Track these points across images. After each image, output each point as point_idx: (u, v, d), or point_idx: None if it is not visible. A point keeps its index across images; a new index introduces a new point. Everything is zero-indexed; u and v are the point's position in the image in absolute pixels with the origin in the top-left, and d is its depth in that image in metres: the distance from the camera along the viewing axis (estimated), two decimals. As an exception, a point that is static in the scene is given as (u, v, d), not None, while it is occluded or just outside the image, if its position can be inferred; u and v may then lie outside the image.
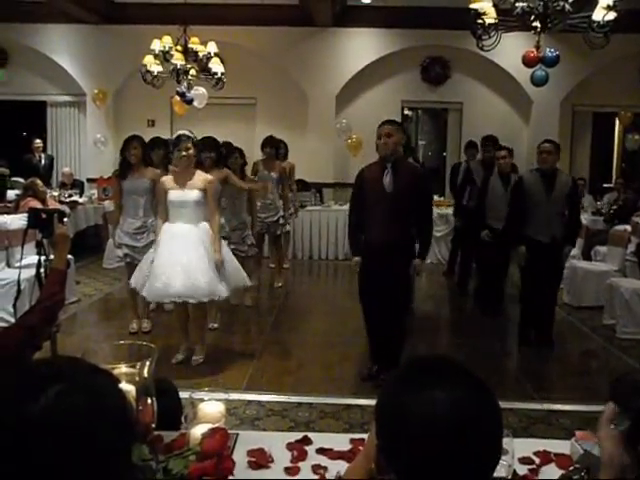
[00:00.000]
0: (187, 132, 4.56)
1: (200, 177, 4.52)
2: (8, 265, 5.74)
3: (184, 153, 4.42)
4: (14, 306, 3.84)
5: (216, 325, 5.46)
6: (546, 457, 1.68)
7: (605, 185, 11.01)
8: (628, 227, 6.86)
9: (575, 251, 7.61)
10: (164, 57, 7.68)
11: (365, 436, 1.88)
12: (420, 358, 1.03)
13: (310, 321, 6.22)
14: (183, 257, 4.34)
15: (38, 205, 6.31)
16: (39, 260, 2.38)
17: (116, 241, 5.28)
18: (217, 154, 5.37)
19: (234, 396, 3.77)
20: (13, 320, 4.75)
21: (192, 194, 4.44)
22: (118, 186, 5.29)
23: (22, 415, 0.80)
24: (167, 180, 4.56)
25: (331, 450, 1.71)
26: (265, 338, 5.44)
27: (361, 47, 10.21)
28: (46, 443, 0.79)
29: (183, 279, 4.31)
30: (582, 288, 6.69)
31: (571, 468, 1.18)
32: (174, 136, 4.59)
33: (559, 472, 1.51)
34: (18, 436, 0.79)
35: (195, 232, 4.46)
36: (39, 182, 7.61)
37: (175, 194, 4.45)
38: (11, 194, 8.09)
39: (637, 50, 9.81)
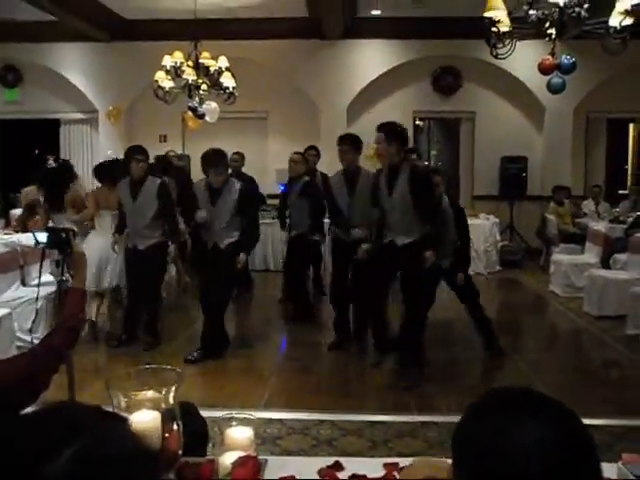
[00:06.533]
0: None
1: None
2: (24, 284, 5.72)
3: None
4: (30, 329, 3.82)
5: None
6: (591, 481, 1.59)
7: (620, 192, 10.89)
8: (648, 234, 6.75)
9: (594, 259, 7.53)
10: (175, 72, 7.69)
11: (397, 459, 1.81)
12: (503, 390, 0.96)
13: (326, 335, 6.14)
14: None
15: (49, 223, 6.25)
16: (60, 280, 2.34)
17: None
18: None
19: (255, 415, 3.70)
20: (29, 338, 4.74)
21: None
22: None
23: None
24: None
25: (364, 477, 1.64)
26: (282, 354, 5.38)
27: (371, 58, 10.20)
28: None
29: None
30: (602, 297, 6.56)
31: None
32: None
33: (609, 499, 1.44)
34: None
35: None
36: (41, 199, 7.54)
37: None
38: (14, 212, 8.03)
39: (651, 55, 9.72)
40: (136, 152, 5.56)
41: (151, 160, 6.23)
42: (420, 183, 4.53)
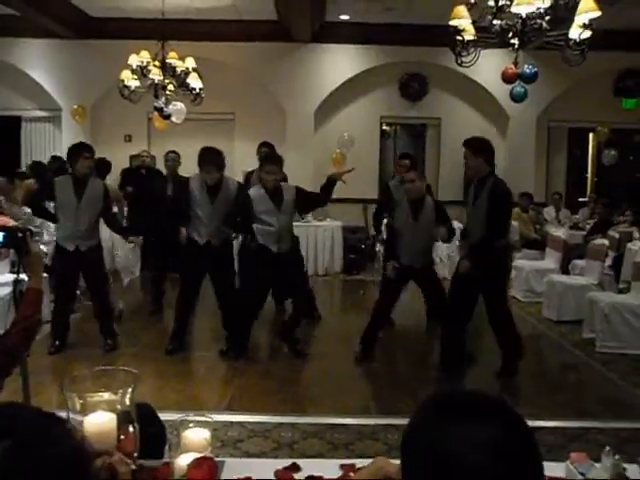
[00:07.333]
0: None
1: None
2: (-20, 284, 5.57)
3: None
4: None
5: None
6: (541, 481, 1.64)
7: (580, 199, 11.17)
8: (605, 241, 6.94)
9: (553, 265, 7.68)
10: (142, 72, 7.61)
11: (354, 461, 1.83)
12: (449, 393, 0.97)
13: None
14: None
15: (9, 222, 6.14)
16: (15, 280, 2.30)
17: None
18: None
19: (216, 418, 3.68)
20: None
21: None
22: None
23: None
24: None
25: (321, 478, 1.65)
26: (245, 358, 5.35)
27: (340, 63, 10.25)
28: None
29: None
30: (561, 302, 6.71)
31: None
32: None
33: (556, 497, 1.48)
34: None
35: None
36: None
37: None
38: None
39: (610, 67, 10.01)
40: (85, 148, 5.44)
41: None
42: (497, 197, 4.66)
